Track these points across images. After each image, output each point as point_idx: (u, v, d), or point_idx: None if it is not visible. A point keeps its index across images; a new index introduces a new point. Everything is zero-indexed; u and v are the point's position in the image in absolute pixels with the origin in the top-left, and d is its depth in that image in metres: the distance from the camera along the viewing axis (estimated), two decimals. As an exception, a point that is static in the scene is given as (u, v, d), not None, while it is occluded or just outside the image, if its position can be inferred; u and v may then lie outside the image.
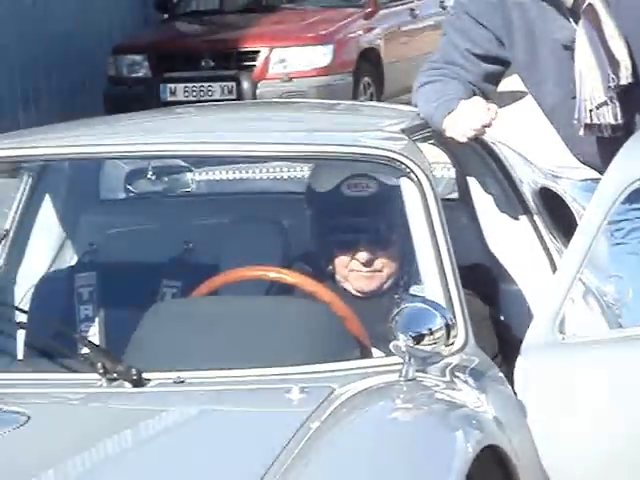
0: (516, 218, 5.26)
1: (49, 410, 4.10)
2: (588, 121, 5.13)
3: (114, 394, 4.18)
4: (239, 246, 4.93)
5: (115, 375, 4.15)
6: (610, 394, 4.35)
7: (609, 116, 5.08)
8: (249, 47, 15.40)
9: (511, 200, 5.25)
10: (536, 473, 4.09)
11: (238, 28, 15.82)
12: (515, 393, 4.27)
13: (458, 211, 5.26)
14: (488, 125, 4.84)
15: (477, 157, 5.29)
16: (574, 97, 5.12)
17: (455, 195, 5.41)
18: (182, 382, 4.18)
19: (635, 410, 4.26)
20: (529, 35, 5.17)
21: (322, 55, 15.01)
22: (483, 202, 5.31)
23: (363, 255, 4.75)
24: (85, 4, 16.91)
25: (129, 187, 5.60)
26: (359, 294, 4.77)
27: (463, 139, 4.85)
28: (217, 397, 4.18)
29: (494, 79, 5.23)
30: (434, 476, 3.66)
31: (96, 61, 15.70)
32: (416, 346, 3.96)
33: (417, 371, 4.02)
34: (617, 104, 5.07)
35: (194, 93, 14.74)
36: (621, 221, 4.96)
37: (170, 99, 14.48)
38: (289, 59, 15.11)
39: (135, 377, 4.15)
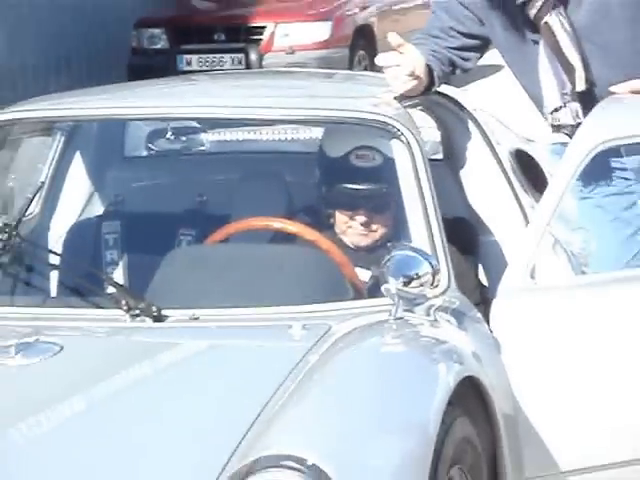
0: (494, 177, 5.24)
1: (79, 342, 4.08)
2: (551, 122, 5.21)
3: (136, 328, 4.18)
4: (248, 199, 4.94)
5: (137, 312, 4.15)
6: (573, 333, 4.41)
7: (567, 118, 5.13)
8: (256, 22, 15.57)
9: (489, 161, 5.22)
10: (508, 402, 4.10)
11: (247, 5, 16.08)
12: (491, 331, 4.23)
13: (443, 170, 5.22)
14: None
15: (460, 122, 5.29)
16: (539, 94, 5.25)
17: (440, 155, 5.39)
18: (197, 319, 4.18)
19: (595, 347, 4.37)
20: (505, 25, 5.17)
21: (322, 30, 15.20)
22: (465, 162, 5.31)
23: (362, 217, 4.80)
24: None
25: (150, 146, 5.64)
26: (354, 247, 4.77)
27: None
28: (227, 332, 4.20)
29: (476, 52, 5.24)
30: (420, 401, 3.72)
31: (120, 34, 15.49)
32: (404, 288, 3.97)
33: (405, 311, 3.97)
34: (575, 107, 5.11)
35: (207, 63, 14.79)
36: (588, 178, 4.93)
37: (186, 69, 14.53)
38: (292, 34, 15.28)
39: (155, 314, 4.15)
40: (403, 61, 4.80)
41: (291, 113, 4.98)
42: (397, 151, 4.66)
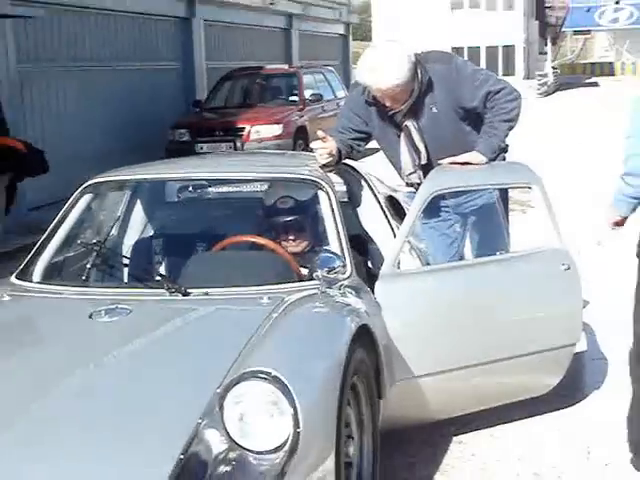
0: (376, 210, 5.46)
1: (141, 307, 4.20)
2: (406, 180, 5.47)
3: (172, 300, 4.29)
4: (235, 224, 5.02)
5: (173, 290, 4.27)
6: (420, 296, 4.60)
7: (416, 178, 5.35)
8: (240, 125, 15.86)
9: (373, 201, 5.50)
10: (384, 338, 4.25)
11: (234, 115, 16.33)
12: (375, 299, 4.40)
13: (347, 207, 5.36)
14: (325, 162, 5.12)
15: (356, 180, 5.51)
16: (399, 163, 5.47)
17: (346, 199, 5.41)
18: (207, 294, 4.30)
19: (430, 302, 4.56)
20: (380, 126, 5.34)
21: (276, 129, 15.56)
22: (359, 203, 5.51)
23: (290, 238, 4.93)
24: (152, 99, 16.65)
25: (179, 195, 5.71)
26: (291, 254, 4.84)
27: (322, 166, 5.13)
28: (224, 302, 4.30)
29: (364, 141, 5.43)
30: (335, 338, 3.81)
31: (156, 132, 15.56)
32: (327, 275, 4.07)
33: (327, 288, 4.23)
34: (421, 173, 5.30)
35: (212, 149, 14.88)
36: (427, 212, 5.06)
37: (200, 152, 14.52)
38: (261, 131, 15.65)
39: (183, 291, 4.25)
40: (325, 146, 5.10)
41: (257, 175, 5.27)
42: (321, 196, 4.84)
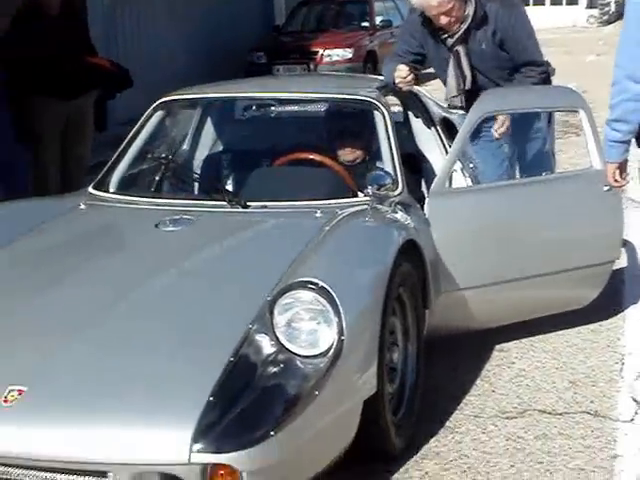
0: (429, 131, 5.32)
1: (202, 218, 4.12)
2: (449, 102, 5.28)
3: (232, 212, 4.20)
4: (298, 142, 4.88)
5: (234, 203, 4.17)
6: (470, 214, 4.45)
7: (457, 102, 5.19)
8: (313, 48, 15.45)
9: (428, 122, 5.34)
10: (431, 253, 4.12)
11: (308, 39, 15.99)
12: (425, 216, 4.25)
13: (403, 128, 5.27)
14: (403, 79, 4.92)
15: (412, 101, 5.35)
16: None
17: (402, 119, 5.33)
18: (265, 207, 4.20)
19: (480, 220, 4.41)
20: (433, 48, 5.17)
21: (348, 53, 15.13)
22: (415, 123, 5.38)
23: (346, 146, 4.77)
24: (234, 24, 16.43)
25: (244, 114, 5.51)
26: (347, 163, 4.69)
27: (395, 84, 4.97)
28: (281, 215, 4.19)
29: (419, 63, 5.22)
30: (382, 250, 3.71)
31: (237, 55, 15.33)
32: (377, 192, 3.91)
33: (377, 204, 4.09)
34: (463, 97, 5.13)
35: (287, 71, 14.78)
36: (479, 133, 4.99)
37: (276, 73, 14.47)
38: (332, 55, 15.21)
39: (243, 204, 4.16)
40: (408, 80, 4.96)
41: (317, 95, 5.04)
42: (377, 116, 4.65)
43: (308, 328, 3.18)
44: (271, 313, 3.20)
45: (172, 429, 2.84)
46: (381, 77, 5.27)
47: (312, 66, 15.21)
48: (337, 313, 3.15)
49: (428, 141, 5.30)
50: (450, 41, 5.02)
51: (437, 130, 5.29)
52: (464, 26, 4.93)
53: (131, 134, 4.82)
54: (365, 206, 4.06)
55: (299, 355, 3.13)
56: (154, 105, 4.90)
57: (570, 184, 4.87)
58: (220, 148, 5.35)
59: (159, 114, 4.87)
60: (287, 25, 17.49)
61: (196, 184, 4.59)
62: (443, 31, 5.00)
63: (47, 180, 6.86)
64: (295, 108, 5.31)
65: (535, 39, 5.13)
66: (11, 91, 6.81)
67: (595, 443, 3.80)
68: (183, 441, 2.80)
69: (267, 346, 3.14)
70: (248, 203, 4.16)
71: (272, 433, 2.85)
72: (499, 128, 4.93)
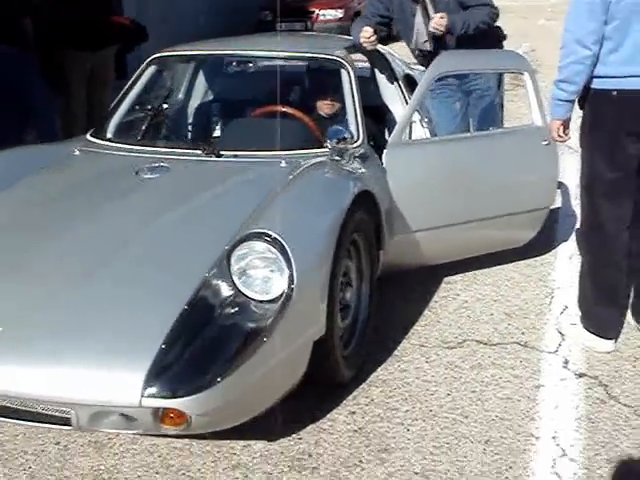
0: (393, 85, 4.77)
1: (178, 165, 3.61)
2: (420, 48, 4.68)
3: (206, 161, 3.66)
4: (275, 95, 4.21)
5: (208, 152, 3.68)
6: (421, 168, 3.94)
7: (427, 46, 4.61)
8: (311, 9, 14.65)
9: (392, 78, 4.78)
10: (386, 201, 3.67)
11: (308, 1, 15.00)
12: (383, 165, 3.77)
13: (370, 82, 4.75)
14: (367, 39, 4.41)
15: (378, 59, 4.76)
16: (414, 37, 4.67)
17: (369, 74, 4.76)
18: (236, 156, 3.68)
19: (429, 166, 3.94)
20: (399, 8, 4.63)
21: (339, 13, 14.48)
22: (380, 78, 4.80)
23: (327, 99, 4.25)
24: None
25: (227, 69, 4.96)
26: (325, 116, 4.23)
27: (361, 44, 4.46)
28: (250, 164, 3.63)
29: (385, 25, 4.67)
30: (336, 199, 3.21)
31: (250, 14, 14.57)
32: (336, 145, 3.41)
33: (337, 156, 3.57)
34: (431, 42, 4.57)
35: (289, 27, 14.12)
36: (438, 89, 4.52)
37: (279, 29, 13.63)
38: (326, 14, 14.48)
39: (216, 153, 3.66)
40: (371, 40, 4.44)
41: (289, 54, 4.40)
42: (342, 74, 4.11)
43: (262, 275, 2.74)
44: (228, 261, 2.77)
45: (127, 372, 2.43)
46: (351, 37, 4.74)
47: (309, 24, 14.49)
48: (288, 262, 2.71)
49: (392, 95, 4.75)
50: None
51: (400, 85, 4.75)
52: None
53: (127, 86, 4.29)
54: (325, 157, 3.54)
55: (253, 299, 2.70)
56: (147, 60, 4.34)
57: (514, 138, 4.34)
58: (202, 101, 4.76)
59: (152, 68, 4.31)
60: (292, -13, 16.83)
61: (177, 134, 4.06)
62: None
63: (75, 122, 6.52)
64: (271, 65, 4.63)
65: None
66: (43, 45, 6.40)
67: (523, 373, 3.40)
68: (136, 385, 2.39)
69: (225, 290, 2.71)
70: (221, 152, 3.65)
71: (219, 379, 2.43)
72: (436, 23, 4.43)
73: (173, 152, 3.74)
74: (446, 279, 4.34)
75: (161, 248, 2.94)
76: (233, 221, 2.97)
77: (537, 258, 4.61)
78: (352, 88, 4.01)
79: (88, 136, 4.07)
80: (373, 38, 4.46)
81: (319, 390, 3.18)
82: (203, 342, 2.54)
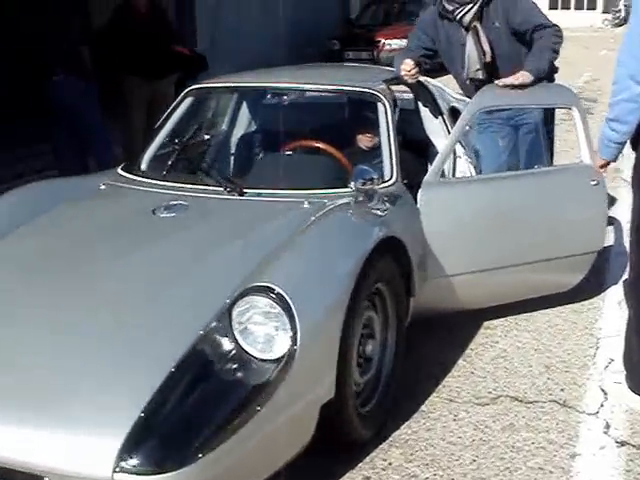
0: (437, 119, 4.33)
1: (197, 204, 3.24)
2: (471, 77, 4.20)
3: (228, 199, 3.27)
4: (309, 129, 3.99)
5: (230, 190, 3.31)
6: (459, 208, 3.55)
7: (480, 75, 4.15)
8: (377, 38, 14.23)
9: (436, 110, 4.34)
10: (418, 246, 3.29)
11: (374, 31, 14.69)
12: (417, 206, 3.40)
13: (413, 114, 4.30)
14: (408, 72, 4.04)
15: (422, 91, 4.33)
16: (464, 67, 4.19)
17: (412, 106, 4.33)
18: (260, 195, 3.29)
19: (471, 216, 3.53)
20: (446, 38, 4.24)
21: (404, 42, 13.45)
22: (424, 111, 4.35)
23: (367, 133, 3.89)
24: (315, 17, 15.16)
25: (260, 102, 4.46)
26: (365, 149, 3.88)
27: (402, 76, 4.07)
28: (273, 204, 3.22)
29: (429, 58, 4.28)
30: (359, 243, 2.83)
31: (318, 44, 14.30)
32: (360, 187, 3.05)
33: (362, 197, 3.13)
34: (484, 71, 4.12)
35: (356, 56, 13.94)
36: (483, 122, 4.13)
37: (347, 58, 13.52)
38: (392, 44, 13.85)
39: (239, 191, 3.29)
40: (412, 73, 4.07)
41: (324, 87, 3.99)
42: (379, 107, 3.69)
43: (264, 332, 2.38)
44: (230, 315, 2.40)
45: (100, 443, 2.08)
46: (392, 69, 4.35)
47: (375, 53, 14.08)
48: (292, 320, 2.35)
49: (435, 128, 4.32)
50: (467, 18, 4.06)
51: (444, 119, 4.34)
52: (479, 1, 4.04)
53: (162, 118, 3.97)
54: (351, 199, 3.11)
55: (254, 357, 2.34)
56: (184, 92, 4.02)
57: (561, 177, 3.90)
58: (232, 135, 4.33)
59: (188, 100, 3.95)
60: (359, 18, 16.26)
61: (203, 169, 3.60)
62: (460, 10, 4.06)
63: (134, 148, 6.34)
64: (305, 98, 4.30)
65: (539, 10, 4.14)
66: (104, 72, 6.33)
67: (558, 438, 2.92)
68: (108, 457, 2.04)
69: (223, 348, 2.35)
70: (245, 190, 3.27)
71: (203, 453, 2.06)
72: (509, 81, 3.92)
73: (196, 189, 3.36)
74: (486, 323, 3.88)
75: (158, 299, 2.57)
76: (241, 270, 2.59)
77: (584, 302, 4.11)
78: (388, 123, 3.60)
79: (119, 169, 3.75)
80: (414, 71, 4.07)
81: (333, 448, 2.75)
82: (190, 407, 2.18)
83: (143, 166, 3.74)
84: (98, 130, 6.16)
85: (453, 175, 4.03)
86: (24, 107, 7.23)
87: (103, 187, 3.52)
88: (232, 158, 4.16)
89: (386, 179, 3.40)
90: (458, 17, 4.12)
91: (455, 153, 4.11)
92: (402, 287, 3.10)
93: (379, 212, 3.12)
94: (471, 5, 4.10)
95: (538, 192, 3.76)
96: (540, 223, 3.70)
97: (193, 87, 4.06)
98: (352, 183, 3.12)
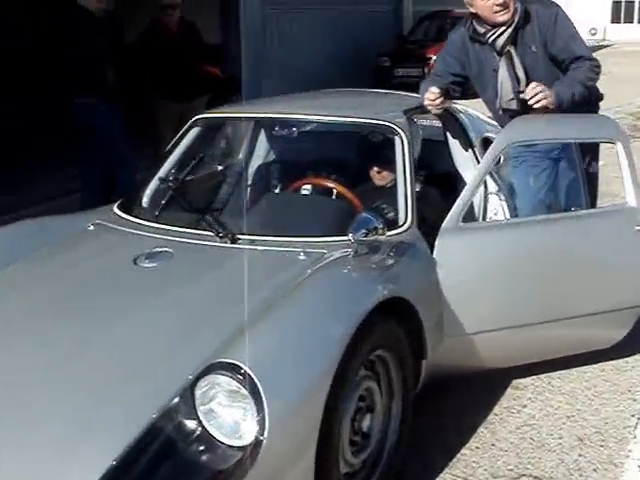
0: (467, 152, 3.91)
1: (183, 252, 2.90)
2: (504, 107, 3.78)
3: (218, 247, 2.91)
4: (316, 164, 3.64)
5: (222, 236, 2.94)
6: (482, 259, 3.11)
7: (514, 105, 3.73)
8: (427, 55, 13.61)
9: (466, 142, 3.91)
10: (432, 307, 2.89)
11: (425, 47, 14.21)
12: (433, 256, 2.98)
13: (442, 146, 3.93)
14: (432, 102, 3.62)
15: (450, 120, 3.92)
16: (496, 96, 3.77)
17: (441, 136, 3.95)
18: (254, 242, 2.91)
19: (497, 267, 3.10)
20: (477, 63, 3.82)
21: None
22: (453, 143, 3.94)
23: (376, 170, 3.55)
24: (368, 35, 14.73)
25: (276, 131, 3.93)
26: (378, 186, 3.53)
27: (426, 106, 3.66)
28: (266, 253, 2.84)
29: (458, 85, 3.86)
30: (353, 307, 2.43)
31: (370, 61, 13.91)
32: (362, 238, 2.73)
33: (364, 251, 2.75)
34: (518, 100, 3.68)
35: (405, 73, 13.52)
36: (516, 156, 3.73)
37: (396, 75, 13.41)
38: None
39: (231, 237, 2.93)
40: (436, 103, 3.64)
41: (333, 120, 3.56)
42: (396, 142, 3.31)
43: (230, 416, 2.03)
44: (192, 392, 2.07)
45: None
46: (415, 95, 3.94)
47: (426, 70, 13.71)
48: (259, 403, 1.99)
49: (466, 162, 3.90)
50: (500, 41, 3.65)
51: (474, 151, 3.92)
52: (516, 17, 3.60)
53: (167, 149, 3.64)
54: (362, 247, 2.71)
55: (218, 440, 2.02)
56: (190, 122, 3.67)
57: (602, 221, 3.43)
58: (232, 172, 3.91)
59: (194, 131, 3.62)
60: (410, 35, 15.83)
61: (197, 210, 3.24)
62: (492, 33, 3.66)
63: None
64: (315, 130, 3.80)
65: (580, 39, 3.72)
66: (136, 93, 6.33)
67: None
68: None
69: (188, 423, 2.04)
70: (239, 236, 2.90)
71: None
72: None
73: (187, 233, 3.00)
74: (514, 382, 3.45)
75: (114, 368, 2.24)
76: (211, 340, 2.24)
77: (628, 359, 3.65)
78: (405, 160, 3.20)
79: (114, 207, 3.44)
80: (439, 101, 3.65)
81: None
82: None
83: (139, 204, 3.42)
84: (123, 155, 5.94)
85: (484, 216, 3.63)
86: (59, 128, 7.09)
87: (91, 228, 3.20)
88: (230, 198, 3.72)
89: (400, 223, 3.02)
90: (490, 40, 3.72)
91: (486, 190, 3.74)
92: (409, 352, 2.69)
93: (384, 267, 2.73)
94: (505, 27, 3.72)
95: (577, 239, 3.30)
96: (579, 274, 3.25)
97: (199, 116, 3.75)
98: (350, 234, 2.70)
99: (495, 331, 3.13)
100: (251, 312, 2.32)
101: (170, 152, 3.63)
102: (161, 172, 3.54)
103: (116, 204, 3.49)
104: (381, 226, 2.76)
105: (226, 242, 2.91)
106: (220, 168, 3.89)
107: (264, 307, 2.36)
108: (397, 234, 2.97)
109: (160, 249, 2.89)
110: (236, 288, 2.58)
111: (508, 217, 3.58)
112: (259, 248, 2.87)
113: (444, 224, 3.07)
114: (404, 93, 4.33)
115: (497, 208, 3.71)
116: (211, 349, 2.19)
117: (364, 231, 2.71)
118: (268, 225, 3.08)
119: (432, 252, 2.98)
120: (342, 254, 2.73)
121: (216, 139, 3.92)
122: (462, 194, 3.18)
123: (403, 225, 3.03)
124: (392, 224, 3.03)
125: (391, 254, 2.82)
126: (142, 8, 7.87)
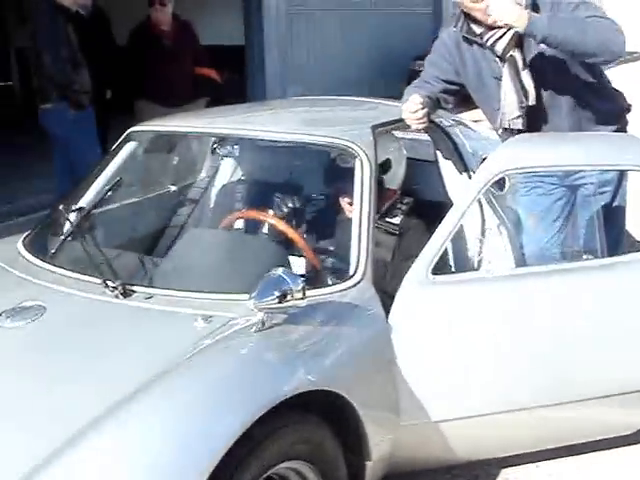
0: (461, 176, 3.09)
1: (59, 308, 2.23)
2: (506, 126, 2.98)
3: (104, 302, 2.24)
4: (250, 196, 2.85)
5: (111, 288, 2.25)
6: (462, 322, 2.35)
7: (519, 124, 2.93)
8: None
9: (460, 166, 3.09)
10: (380, 404, 2.15)
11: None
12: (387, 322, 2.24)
13: (433, 168, 3.12)
14: (412, 114, 2.87)
15: (441, 137, 3.10)
16: (498, 109, 2.97)
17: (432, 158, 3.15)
18: (150, 298, 2.23)
19: (492, 333, 2.34)
20: (475, 69, 3.04)
21: None
22: (444, 165, 3.12)
23: (347, 201, 2.77)
24: (404, 38, 13.88)
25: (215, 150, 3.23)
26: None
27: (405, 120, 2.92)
28: (160, 314, 2.16)
29: (451, 94, 3.09)
30: (243, 405, 1.75)
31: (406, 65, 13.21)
32: (269, 305, 1.89)
33: (280, 317, 2.03)
34: (525, 118, 2.92)
35: None
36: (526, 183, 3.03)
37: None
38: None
39: (123, 291, 2.24)
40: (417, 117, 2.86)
41: (283, 137, 2.78)
42: (356, 168, 2.55)
43: None
44: None
45: None
46: (394, 103, 3.21)
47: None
48: None
49: (458, 187, 3.16)
50: (501, 45, 2.87)
51: (469, 175, 3.13)
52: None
53: (93, 170, 3.00)
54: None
55: None
56: (124, 135, 2.96)
57: (628, 275, 2.54)
58: (152, 199, 3.22)
59: (127, 147, 2.92)
60: (447, 37, 15.32)
61: (94, 252, 2.41)
62: (490, 35, 2.88)
63: None
64: (261, 150, 3.13)
65: (596, 6, 2.93)
66: (122, 95, 5.91)
67: None
68: None
69: None
70: (133, 289, 2.24)
71: None
72: None
73: (74, 280, 2.34)
74: (504, 470, 2.72)
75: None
76: (44, 445, 1.59)
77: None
78: (363, 191, 2.44)
79: (19, 242, 2.72)
80: (421, 113, 2.88)
81: None
82: None
83: (43, 237, 2.72)
84: (90, 162, 5.35)
85: (479, 261, 2.85)
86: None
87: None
88: (145, 235, 3.01)
89: (350, 275, 2.26)
90: (489, 43, 2.93)
91: (484, 224, 2.98)
92: (339, 459, 1.97)
93: (305, 345, 1.98)
94: (505, 30, 2.87)
95: (593, 296, 2.47)
96: (594, 344, 2.44)
97: (133, 129, 3.05)
98: (253, 300, 1.94)
99: (477, 417, 2.38)
100: (104, 410, 1.62)
101: (97, 173, 2.93)
102: (75, 197, 2.85)
103: (22, 238, 2.82)
104: (299, 287, 1.96)
105: (117, 297, 2.22)
106: (144, 195, 3.14)
107: (122, 402, 1.67)
108: (340, 291, 2.21)
109: (32, 303, 2.21)
110: (99, 371, 1.88)
111: (512, 261, 2.80)
112: (154, 307, 2.17)
113: (406, 277, 2.30)
114: (385, 103, 3.54)
115: (499, 247, 2.93)
116: (35, 461, 1.54)
117: (275, 295, 1.94)
118: (174, 274, 2.38)
119: (387, 316, 2.24)
120: (249, 324, 1.98)
121: (144, 158, 3.13)
122: (432, 237, 2.40)
123: (351, 278, 2.26)
124: (339, 276, 2.32)
125: (321, 324, 2.06)
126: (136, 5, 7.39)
